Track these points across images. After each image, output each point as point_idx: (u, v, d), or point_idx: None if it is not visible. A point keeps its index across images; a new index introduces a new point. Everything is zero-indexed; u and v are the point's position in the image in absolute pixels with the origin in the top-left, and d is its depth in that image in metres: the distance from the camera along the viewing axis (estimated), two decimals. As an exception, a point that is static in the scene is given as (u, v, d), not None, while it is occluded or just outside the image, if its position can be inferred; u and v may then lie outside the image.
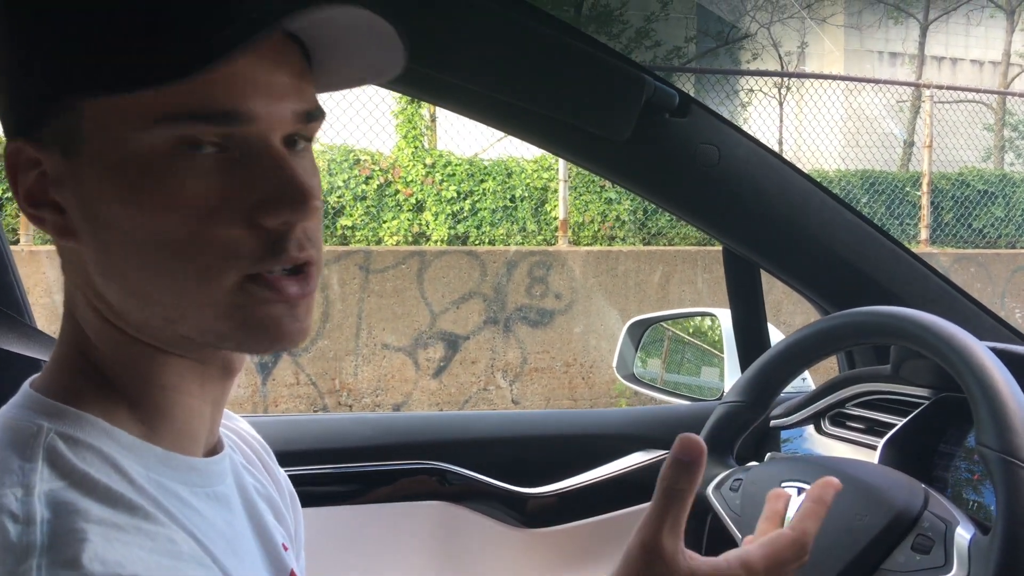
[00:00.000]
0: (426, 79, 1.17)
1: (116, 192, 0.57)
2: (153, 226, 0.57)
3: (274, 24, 0.55)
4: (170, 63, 0.54)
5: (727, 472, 1.13)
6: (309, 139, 0.64)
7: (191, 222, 0.57)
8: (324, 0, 0.56)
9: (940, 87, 8.47)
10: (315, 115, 0.63)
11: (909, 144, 10.38)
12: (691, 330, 2.03)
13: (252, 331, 0.60)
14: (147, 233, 0.57)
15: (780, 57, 13.17)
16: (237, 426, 0.82)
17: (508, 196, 6.85)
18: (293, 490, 0.86)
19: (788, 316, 6.10)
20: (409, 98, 6.39)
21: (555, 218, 6.78)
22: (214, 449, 0.71)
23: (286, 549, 0.76)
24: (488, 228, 6.79)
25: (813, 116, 8.34)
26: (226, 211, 0.58)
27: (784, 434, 1.42)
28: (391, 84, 1.24)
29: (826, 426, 1.37)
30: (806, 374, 1.54)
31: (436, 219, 6.70)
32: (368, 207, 6.57)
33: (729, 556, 0.65)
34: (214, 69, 0.54)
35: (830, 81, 8.40)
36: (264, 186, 0.58)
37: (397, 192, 6.67)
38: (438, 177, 6.74)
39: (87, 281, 0.62)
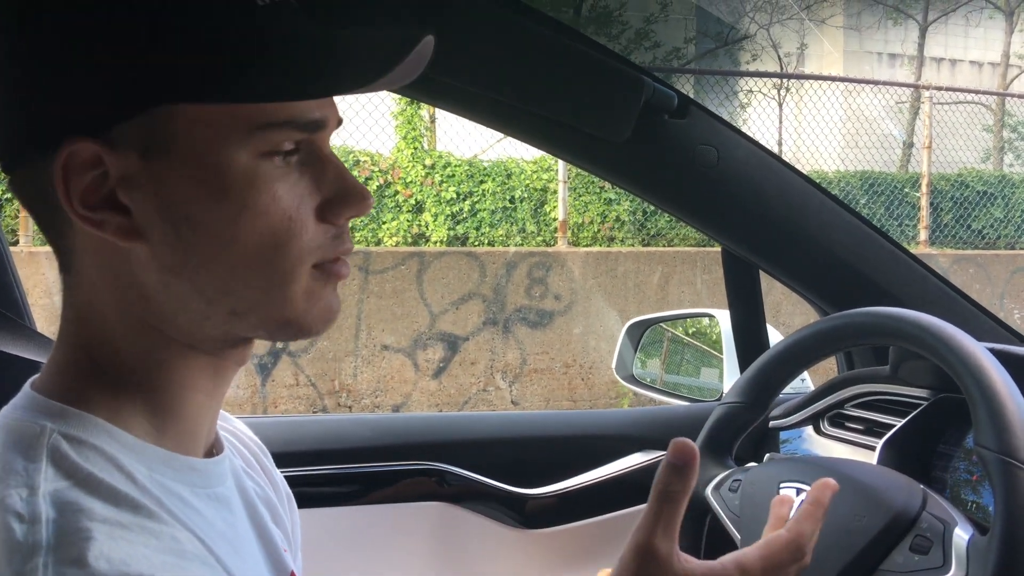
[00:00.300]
0: (425, 81, 1.16)
1: (208, 194, 0.59)
2: (245, 227, 0.59)
3: (397, 63, 0.60)
4: (308, 81, 0.59)
5: (726, 473, 1.13)
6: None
7: (281, 223, 0.61)
8: (420, 35, 0.61)
9: (939, 88, 8.47)
10: (340, 122, 0.69)
11: (908, 145, 10.38)
12: (690, 331, 2.03)
13: (318, 315, 0.65)
14: (236, 233, 0.59)
15: (779, 58, 13.19)
16: (234, 427, 0.82)
17: (507, 197, 6.85)
18: (290, 491, 0.86)
19: (787, 317, 6.11)
20: (408, 99, 6.39)
21: (554, 219, 6.78)
22: (212, 450, 0.71)
23: (285, 551, 0.76)
24: (487, 229, 6.79)
25: (812, 117, 8.34)
26: (303, 212, 0.62)
27: (783, 435, 1.42)
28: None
29: (825, 427, 1.37)
30: (805, 375, 1.54)
31: (435, 220, 6.70)
32: (367, 208, 6.57)
33: (725, 559, 0.66)
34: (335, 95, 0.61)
35: (829, 82, 8.41)
36: (332, 187, 0.64)
37: (396, 193, 6.68)
38: (437, 178, 6.74)
39: (128, 281, 0.61)
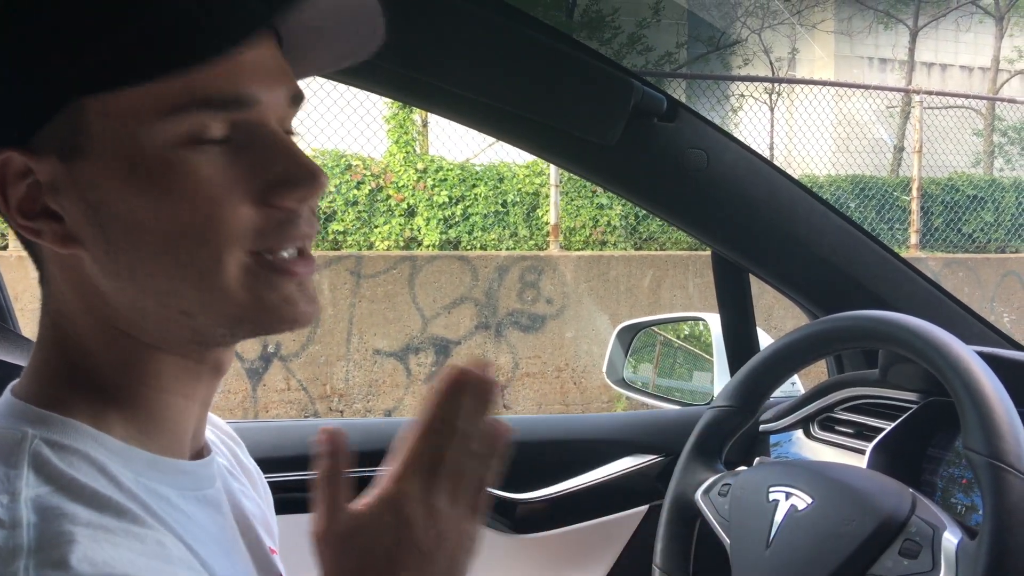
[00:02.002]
0: (417, 84, 1.17)
1: (128, 188, 0.57)
2: (167, 218, 0.57)
3: (294, 4, 0.57)
4: (191, 49, 0.55)
5: (715, 477, 1.13)
6: (289, 130, 0.66)
7: (203, 209, 0.58)
8: None
9: (930, 92, 8.51)
10: (300, 98, 0.65)
11: (899, 149, 10.42)
12: (681, 335, 2.03)
13: (268, 312, 0.62)
14: (161, 225, 0.58)
15: (771, 63, 13.23)
16: (212, 425, 0.81)
17: (500, 201, 6.85)
18: (263, 476, 0.85)
19: (779, 321, 6.12)
20: (400, 104, 6.39)
21: (546, 223, 6.79)
22: (200, 452, 0.71)
23: (273, 552, 0.76)
24: (480, 233, 6.79)
25: (804, 121, 8.37)
26: (236, 195, 0.59)
27: (773, 438, 1.42)
28: (382, 90, 1.24)
29: (815, 430, 1.37)
30: (795, 378, 1.54)
31: (428, 224, 6.70)
32: (359, 212, 6.57)
33: (383, 480, 0.65)
34: (234, 53, 0.56)
35: (820, 87, 8.43)
36: (275, 168, 0.60)
37: (388, 197, 6.67)
38: (430, 182, 6.74)
39: (87, 286, 0.61)
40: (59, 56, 0.56)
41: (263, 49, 0.60)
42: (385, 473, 0.64)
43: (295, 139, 0.65)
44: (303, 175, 0.61)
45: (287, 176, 0.60)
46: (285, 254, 0.62)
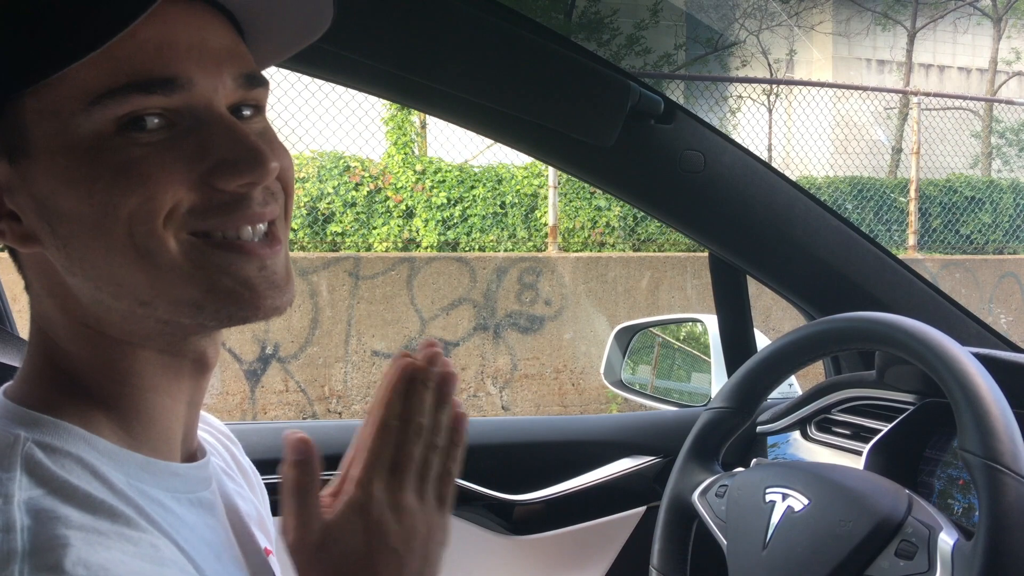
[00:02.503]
0: (415, 86, 1.17)
1: (67, 182, 0.57)
2: (100, 204, 0.56)
3: None
4: (90, 30, 0.53)
5: (713, 478, 1.13)
6: (258, 107, 0.64)
7: (140, 196, 0.56)
8: None
9: (928, 94, 8.51)
10: (256, 79, 0.63)
11: (897, 151, 10.43)
12: (678, 336, 2.03)
13: (226, 294, 0.60)
14: (97, 213, 0.57)
15: (769, 64, 13.24)
16: (207, 426, 0.81)
17: (498, 202, 6.86)
18: (259, 475, 0.85)
19: (777, 322, 6.12)
20: (399, 105, 6.39)
21: (545, 224, 6.79)
22: (194, 455, 0.70)
23: (269, 553, 0.76)
24: (478, 234, 6.79)
25: (802, 123, 8.37)
26: (173, 178, 0.57)
27: (770, 440, 1.43)
28: (380, 92, 1.24)
29: (812, 432, 1.37)
30: (792, 380, 1.54)
31: (426, 225, 6.70)
32: (358, 213, 6.57)
33: (346, 486, 0.65)
34: (132, 29, 0.53)
35: (818, 88, 8.44)
36: (217, 151, 0.58)
37: (387, 199, 6.67)
38: (428, 183, 6.74)
39: (57, 286, 0.61)
40: None
41: (200, 30, 0.59)
42: (348, 476, 0.64)
43: (259, 122, 0.64)
44: (246, 158, 0.59)
45: (228, 159, 0.58)
46: (240, 235, 0.60)
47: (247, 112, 0.63)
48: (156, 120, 0.57)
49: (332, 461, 1.33)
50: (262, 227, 0.62)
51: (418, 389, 0.65)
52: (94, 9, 0.54)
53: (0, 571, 0.49)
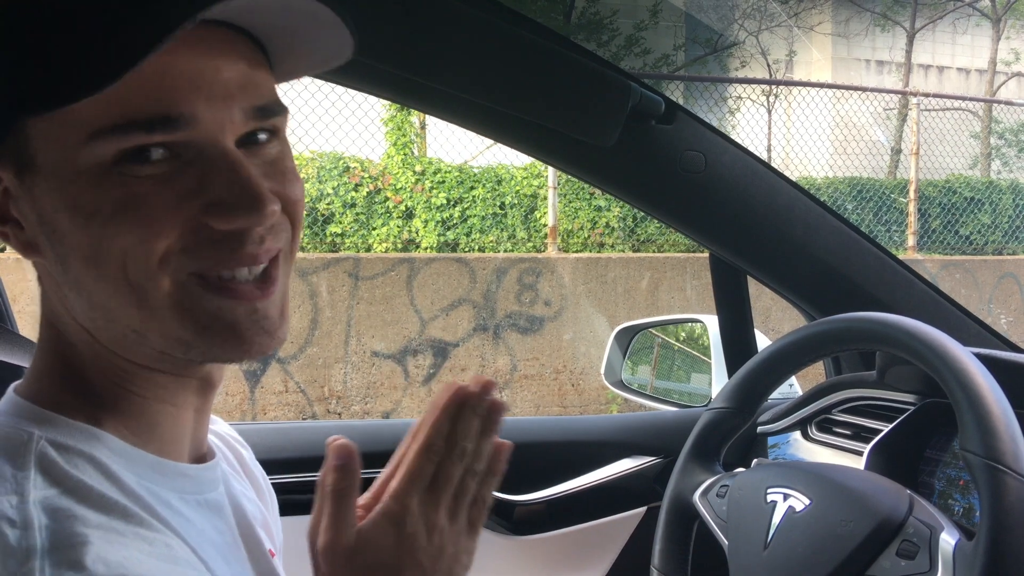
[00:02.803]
0: (414, 87, 1.17)
1: (66, 206, 0.57)
2: (98, 237, 0.56)
3: (192, 15, 0.52)
4: (91, 71, 0.52)
5: (714, 479, 1.13)
6: (274, 132, 0.63)
7: (136, 230, 0.56)
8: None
9: (927, 95, 8.52)
10: (272, 110, 0.61)
11: (896, 151, 10.43)
12: (679, 337, 2.03)
13: (213, 336, 0.60)
14: (94, 244, 0.57)
15: (768, 65, 13.24)
16: (216, 428, 0.82)
17: (498, 203, 6.86)
18: (269, 482, 0.86)
19: (777, 323, 6.12)
20: (398, 106, 6.39)
21: (545, 225, 6.79)
22: (203, 456, 0.71)
23: (272, 555, 0.76)
24: (478, 235, 6.79)
25: (801, 124, 8.38)
26: (169, 216, 0.57)
27: (771, 440, 1.43)
28: (380, 92, 1.24)
29: (813, 432, 1.37)
30: (793, 380, 1.54)
31: (426, 226, 6.70)
32: (357, 214, 6.57)
33: (384, 497, 0.66)
34: (130, 72, 0.52)
35: (818, 89, 8.44)
36: (214, 190, 0.57)
37: (387, 199, 6.67)
38: (428, 184, 6.74)
39: (61, 294, 0.62)
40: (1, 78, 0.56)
41: (211, 60, 0.57)
42: (386, 488, 0.65)
43: (275, 147, 0.62)
44: (242, 201, 0.57)
45: (225, 200, 0.57)
46: (235, 275, 0.60)
47: (263, 136, 0.62)
48: (160, 151, 0.56)
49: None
50: (257, 268, 0.61)
51: (467, 415, 0.66)
52: (101, 46, 0.53)
53: (20, 566, 0.50)
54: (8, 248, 5.62)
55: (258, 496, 0.81)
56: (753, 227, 1.34)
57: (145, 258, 0.57)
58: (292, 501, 0.88)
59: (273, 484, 0.87)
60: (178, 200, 0.57)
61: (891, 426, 1.16)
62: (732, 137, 1.33)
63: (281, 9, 0.58)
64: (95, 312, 0.60)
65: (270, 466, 0.87)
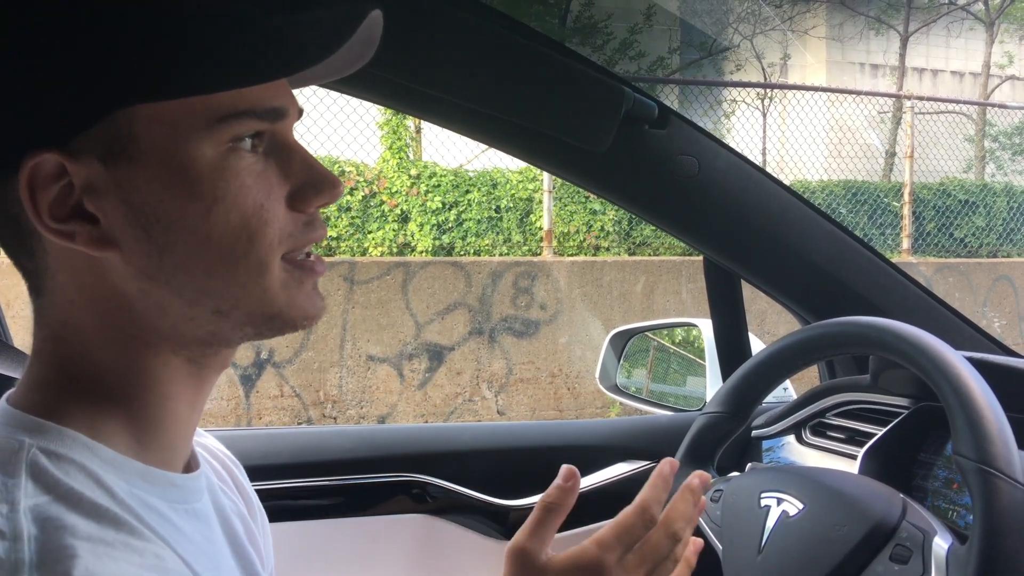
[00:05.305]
0: (409, 92, 1.17)
1: (177, 193, 0.58)
2: (218, 223, 0.59)
3: (355, 27, 0.59)
4: (257, 65, 0.58)
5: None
6: None
7: (249, 213, 0.61)
8: (364, 11, 0.60)
9: (921, 98, 8.53)
10: (302, 112, 0.68)
11: (891, 154, 10.45)
12: (673, 340, 2.03)
13: (298, 308, 0.65)
14: (211, 230, 0.59)
15: (763, 68, 13.27)
16: (206, 443, 0.82)
17: (493, 207, 6.86)
18: (261, 506, 0.85)
19: (772, 326, 6.13)
20: (393, 110, 6.38)
21: (540, 228, 6.79)
22: (189, 465, 0.71)
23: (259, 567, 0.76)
24: (473, 239, 6.79)
25: (796, 127, 8.39)
26: (273, 200, 0.62)
27: (765, 444, 1.43)
28: (375, 97, 1.24)
29: (807, 436, 1.37)
30: (787, 384, 1.54)
31: (421, 230, 6.70)
32: (353, 218, 6.57)
33: (585, 543, 0.68)
34: (291, 73, 0.59)
35: (812, 92, 8.46)
36: (300, 176, 0.64)
37: (382, 203, 6.67)
38: (423, 188, 6.74)
39: (107, 291, 0.61)
40: (110, 64, 0.56)
41: None
42: (593, 536, 0.67)
43: None
44: (325, 182, 0.65)
45: (311, 182, 0.64)
46: (309, 255, 0.66)
47: None
48: (250, 143, 0.61)
49: (320, 467, 1.34)
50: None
51: (686, 498, 0.70)
52: (258, 51, 0.59)
53: None
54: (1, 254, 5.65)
55: (250, 514, 0.80)
56: (747, 231, 1.34)
57: (267, 239, 0.62)
58: (281, 507, 0.87)
59: (264, 489, 0.86)
60: (273, 187, 0.63)
61: (885, 430, 1.16)
62: (727, 141, 1.33)
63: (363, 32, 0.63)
64: (178, 297, 0.61)
65: (259, 472, 0.86)
